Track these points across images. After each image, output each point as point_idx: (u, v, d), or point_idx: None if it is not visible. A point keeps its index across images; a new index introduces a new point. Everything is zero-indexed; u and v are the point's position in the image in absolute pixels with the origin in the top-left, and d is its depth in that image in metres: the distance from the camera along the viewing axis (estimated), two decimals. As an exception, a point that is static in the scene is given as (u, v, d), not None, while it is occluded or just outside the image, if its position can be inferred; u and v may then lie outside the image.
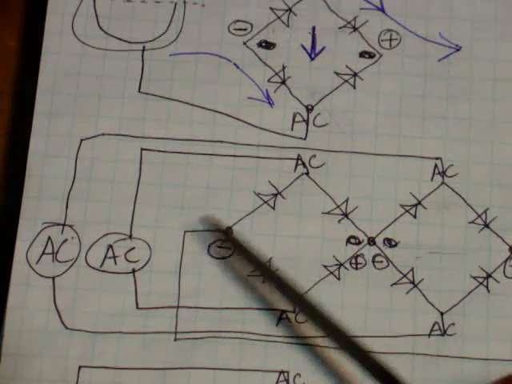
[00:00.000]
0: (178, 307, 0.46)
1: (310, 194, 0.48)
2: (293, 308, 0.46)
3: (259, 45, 0.50)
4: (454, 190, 0.48)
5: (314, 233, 0.47)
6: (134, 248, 0.47)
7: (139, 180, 0.48)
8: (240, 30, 0.50)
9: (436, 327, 0.46)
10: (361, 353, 0.42)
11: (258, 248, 0.46)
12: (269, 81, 0.49)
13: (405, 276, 0.47)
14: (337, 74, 0.49)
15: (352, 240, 0.47)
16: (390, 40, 0.50)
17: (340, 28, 0.50)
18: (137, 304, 0.46)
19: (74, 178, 0.47)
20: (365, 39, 0.50)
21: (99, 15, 0.50)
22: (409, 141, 0.48)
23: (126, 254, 0.47)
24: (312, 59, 0.49)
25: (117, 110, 0.48)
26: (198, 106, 0.49)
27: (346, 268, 0.47)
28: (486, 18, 0.50)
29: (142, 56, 0.49)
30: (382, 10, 0.50)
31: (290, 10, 0.50)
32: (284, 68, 0.49)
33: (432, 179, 0.48)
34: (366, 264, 0.47)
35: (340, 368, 0.45)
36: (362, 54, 0.49)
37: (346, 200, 0.47)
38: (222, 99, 0.49)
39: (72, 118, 0.48)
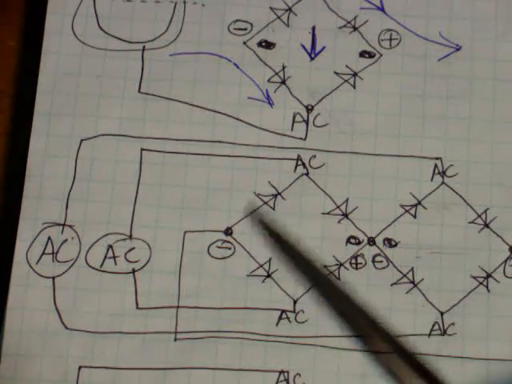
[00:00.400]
0: (177, 307, 0.46)
1: (309, 195, 0.48)
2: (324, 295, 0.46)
3: (259, 44, 0.50)
4: (453, 190, 0.48)
5: (313, 233, 0.47)
6: (133, 248, 0.47)
7: (139, 180, 0.48)
8: (240, 29, 0.50)
9: (436, 327, 0.46)
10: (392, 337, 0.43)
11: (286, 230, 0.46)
12: (269, 81, 0.49)
13: (405, 276, 0.47)
14: (337, 73, 0.49)
15: (352, 240, 0.47)
16: (390, 40, 0.50)
17: (340, 28, 0.50)
18: (137, 304, 0.46)
19: (74, 178, 0.47)
20: (365, 39, 0.50)
21: (99, 15, 0.50)
22: (409, 141, 0.48)
23: (125, 254, 0.47)
24: (312, 59, 0.49)
25: (117, 110, 0.48)
26: (197, 106, 0.49)
27: (346, 268, 0.47)
28: (486, 17, 0.50)
29: (142, 56, 0.49)
30: (382, 9, 0.50)
31: (289, 9, 0.50)
32: (284, 68, 0.49)
33: (432, 179, 0.48)
34: (365, 264, 0.47)
35: (340, 368, 0.45)
36: (362, 54, 0.49)
37: (346, 200, 0.47)
38: (222, 99, 0.49)
39: (72, 118, 0.48)
